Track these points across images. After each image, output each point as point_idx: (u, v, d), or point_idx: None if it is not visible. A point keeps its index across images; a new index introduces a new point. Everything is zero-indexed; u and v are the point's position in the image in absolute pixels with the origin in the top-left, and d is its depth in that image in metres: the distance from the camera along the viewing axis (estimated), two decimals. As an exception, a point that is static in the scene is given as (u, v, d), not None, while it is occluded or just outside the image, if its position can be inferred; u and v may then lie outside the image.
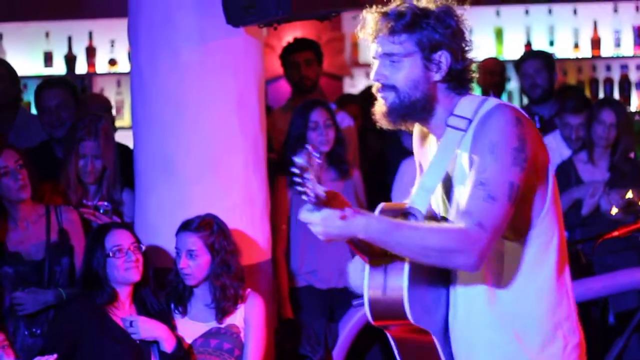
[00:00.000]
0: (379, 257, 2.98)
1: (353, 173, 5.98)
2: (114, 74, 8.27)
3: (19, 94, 6.48)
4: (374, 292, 2.99)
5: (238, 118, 5.19)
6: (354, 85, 8.59)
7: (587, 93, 8.27)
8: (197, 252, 4.85)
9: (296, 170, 2.67)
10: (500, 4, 8.23)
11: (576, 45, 8.47)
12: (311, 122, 5.76)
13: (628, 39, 8.41)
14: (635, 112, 8.26)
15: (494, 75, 7.47)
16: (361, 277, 3.04)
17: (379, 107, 3.07)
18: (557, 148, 6.34)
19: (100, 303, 4.71)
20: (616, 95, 8.37)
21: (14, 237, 5.04)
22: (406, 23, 2.99)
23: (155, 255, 5.01)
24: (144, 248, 4.81)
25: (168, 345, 4.72)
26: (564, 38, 8.48)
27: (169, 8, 5.12)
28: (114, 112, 8.05)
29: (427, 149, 3.20)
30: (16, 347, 4.93)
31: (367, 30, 3.05)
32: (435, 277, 3.07)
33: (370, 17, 3.04)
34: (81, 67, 8.24)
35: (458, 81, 3.04)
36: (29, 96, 7.46)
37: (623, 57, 8.44)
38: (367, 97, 7.48)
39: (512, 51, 8.33)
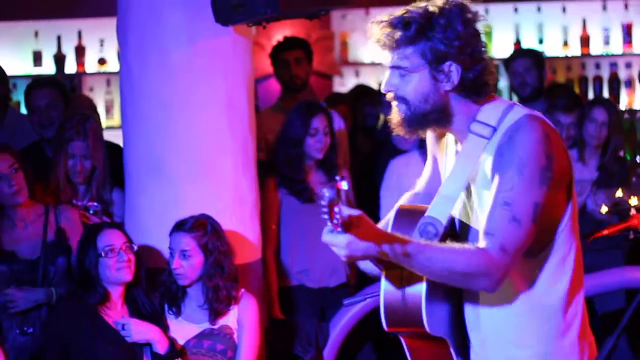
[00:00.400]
0: (395, 266, 2.95)
1: (344, 175, 5.97)
2: (104, 73, 8.26)
3: (8, 93, 6.46)
4: (390, 299, 2.96)
5: (227, 117, 5.19)
6: (343, 84, 8.58)
7: (577, 91, 8.27)
8: (190, 253, 4.84)
9: (324, 202, 2.61)
10: (489, 2, 8.23)
11: (565, 43, 8.48)
12: (312, 128, 5.74)
13: (617, 36, 8.42)
14: (625, 111, 8.27)
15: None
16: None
17: (395, 116, 3.00)
18: None
19: (92, 303, 4.71)
20: (605, 93, 8.38)
21: (11, 236, 5.04)
22: (411, 35, 2.91)
23: (145, 256, 5.01)
24: (136, 248, 4.81)
25: (161, 347, 4.71)
26: (553, 36, 8.49)
27: (157, 7, 5.11)
28: (103, 111, 8.09)
29: (444, 143, 3.13)
30: (7, 345, 4.94)
31: (374, 40, 2.97)
32: (453, 287, 3.04)
33: (376, 28, 2.96)
34: (70, 67, 8.22)
35: (473, 88, 2.95)
36: (18, 96, 7.45)
37: (612, 55, 8.45)
38: (356, 96, 7.52)
39: (501, 49, 8.33)
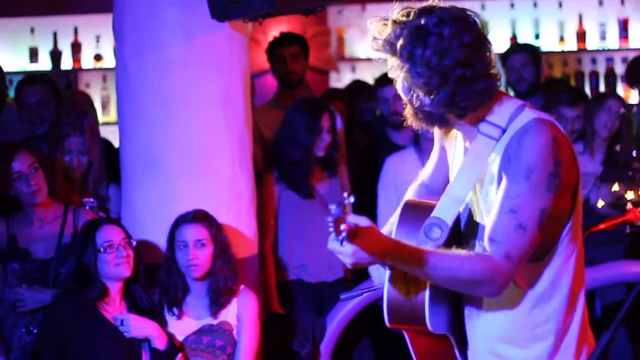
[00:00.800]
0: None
1: (341, 171, 5.98)
2: (100, 69, 8.25)
3: (5, 90, 6.45)
4: (394, 296, 2.97)
5: (224, 113, 5.19)
6: (340, 79, 8.58)
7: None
8: (205, 242, 4.87)
9: (330, 219, 2.60)
10: (485, -3, 8.24)
11: (562, 39, 8.48)
12: (319, 128, 5.73)
13: (613, 32, 8.42)
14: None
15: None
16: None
17: (407, 109, 2.98)
18: None
19: (91, 299, 4.71)
20: (602, 88, 8.38)
21: (26, 234, 5.04)
22: (405, 57, 2.85)
23: (141, 251, 5.00)
24: (134, 243, 4.81)
25: (159, 343, 4.72)
26: (550, 31, 8.49)
27: (153, 3, 5.11)
28: (99, 107, 8.08)
29: (452, 134, 3.11)
30: (13, 343, 4.93)
31: (374, 48, 2.93)
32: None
33: (374, 45, 2.92)
34: (67, 63, 8.22)
35: (467, 109, 2.89)
36: (14, 92, 7.44)
37: (608, 50, 8.45)
38: (353, 91, 7.52)
39: (498, 44, 8.32)
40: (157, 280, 4.94)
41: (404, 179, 3.85)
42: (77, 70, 8.26)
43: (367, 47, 3.01)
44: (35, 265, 4.99)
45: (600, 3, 8.42)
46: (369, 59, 8.48)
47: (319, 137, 5.74)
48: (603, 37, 8.43)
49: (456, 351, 3.07)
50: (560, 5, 8.44)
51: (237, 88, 5.25)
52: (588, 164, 6.22)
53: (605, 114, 6.19)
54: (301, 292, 5.83)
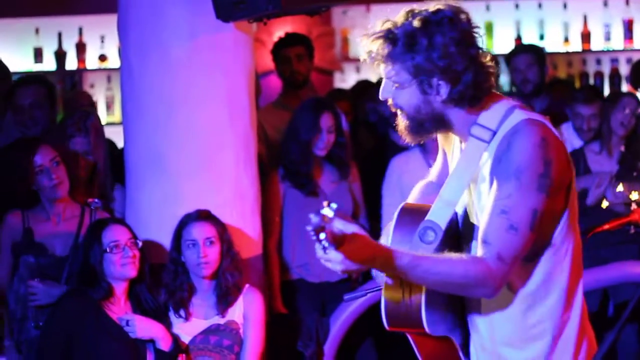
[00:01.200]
0: None
1: (353, 175, 5.99)
2: (104, 69, 8.26)
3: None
4: (391, 300, 2.97)
5: (228, 113, 5.19)
6: (344, 80, 8.59)
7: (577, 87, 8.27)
8: (213, 239, 4.89)
9: (310, 228, 2.61)
10: (490, -2, 8.24)
11: (566, 39, 8.48)
12: (318, 126, 5.74)
13: (618, 32, 8.42)
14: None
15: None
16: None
17: (400, 123, 3.00)
18: (568, 139, 6.33)
19: (96, 298, 4.71)
20: (606, 89, 8.38)
21: (43, 229, 5.04)
22: (397, 53, 2.88)
23: (146, 251, 5.01)
24: (140, 244, 4.81)
25: (164, 344, 4.72)
26: (554, 32, 8.49)
27: (158, 3, 5.12)
28: (104, 108, 8.09)
29: (451, 138, 3.12)
30: (22, 336, 4.94)
31: (366, 53, 2.94)
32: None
33: (367, 41, 2.93)
34: (71, 63, 8.23)
35: (465, 99, 2.92)
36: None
37: (613, 51, 8.45)
38: (358, 91, 7.52)
39: (502, 45, 8.33)
40: (161, 281, 4.94)
41: (409, 180, 3.85)
42: (81, 71, 8.27)
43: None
44: (51, 261, 4.99)
45: (605, 4, 8.41)
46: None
47: (317, 135, 5.74)
48: (608, 37, 8.43)
49: (460, 353, 3.07)
50: (565, 6, 8.44)
51: (241, 88, 5.25)
52: (605, 162, 6.21)
53: (621, 113, 6.20)
54: (304, 292, 5.83)
